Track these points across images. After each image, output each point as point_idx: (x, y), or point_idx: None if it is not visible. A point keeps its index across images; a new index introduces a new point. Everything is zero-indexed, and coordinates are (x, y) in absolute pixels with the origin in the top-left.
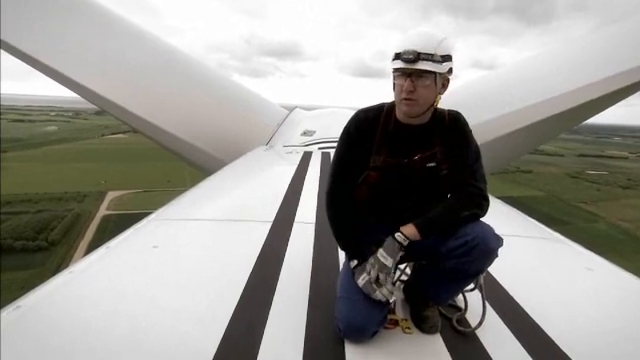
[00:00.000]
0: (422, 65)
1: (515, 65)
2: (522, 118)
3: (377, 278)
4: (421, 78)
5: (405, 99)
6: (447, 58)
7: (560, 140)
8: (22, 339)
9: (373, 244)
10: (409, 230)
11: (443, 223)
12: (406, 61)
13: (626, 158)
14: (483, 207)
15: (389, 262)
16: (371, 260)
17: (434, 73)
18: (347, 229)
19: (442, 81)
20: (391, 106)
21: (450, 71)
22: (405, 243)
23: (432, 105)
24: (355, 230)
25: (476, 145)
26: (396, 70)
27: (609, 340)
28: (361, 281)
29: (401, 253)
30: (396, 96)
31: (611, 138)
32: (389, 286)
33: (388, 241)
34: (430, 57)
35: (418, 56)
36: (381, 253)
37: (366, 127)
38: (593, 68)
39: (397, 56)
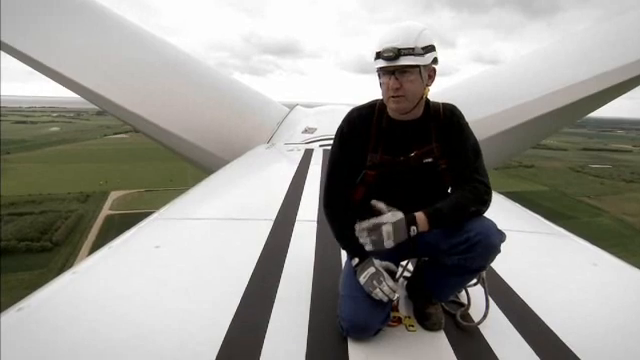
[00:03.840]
0: (404, 61)
1: (517, 60)
2: (525, 112)
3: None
4: (405, 74)
5: (392, 97)
6: (429, 49)
7: (563, 134)
8: (24, 341)
9: None
10: (420, 218)
11: (450, 216)
12: (387, 59)
13: (630, 151)
14: (487, 203)
15: (388, 243)
16: (364, 225)
17: (418, 67)
18: (346, 229)
19: (428, 72)
20: (383, 102)
21: (435, 61)
22: (414, 232)
23: (421, 99)
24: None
25: (474, 138)
26: (380, 69)
27: (614, 336)
28: (362, 279)
29: (404, 236)
30: (384, 94)
31: (614, 131)
32: (390, 282)
33: (401, 222)
34: (411, 51)
35: (399, 52)
36: (387, 230)
37: (359, 125)
38: (596, 61)
39: (378, 55)
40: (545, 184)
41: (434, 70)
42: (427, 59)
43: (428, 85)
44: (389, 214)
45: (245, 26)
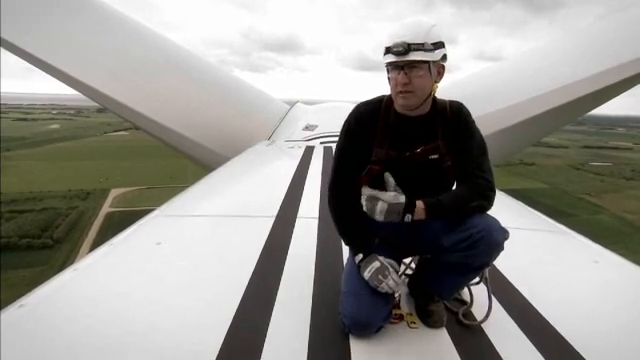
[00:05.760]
0: (413, 56)
1: (518, 57)
2: (526, 110)
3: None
4: (414, 69)
5: (401, 92)
6: (439, 45)
7: (563, 132)
8: (26, 338)
9: (377, 238)
10: (419, 207)
11: (450, 209)
12: (397, 54)
13: (630, 149)
14: (490, 199)
15: (384, 204)
16: (367, 192)
17: (427, 62)
18: (351, 224)
19: (437, 69)
20: (390, 98)
21: (444, 57)
22: (408, 219)
23: (429, 95)
24: (359, 224)
25: (480, 136)
26: (389, 64)
27: (616, 333)
28: (367, 273)
29: (396, 219)
30: (392, 90)
31: (615, 129)
32: (395, 276)
33: (398, 207)
34: (421, 47)
35: (408, 47)
36: (385, 196)
37: (366, 120)
38: (597, 59)
39: (388, 50)
40: (545, 182)
41: (443, 67)
42: (437, 55)
43: (437, 81)
44: (392, 194)
45: (244, 21)
